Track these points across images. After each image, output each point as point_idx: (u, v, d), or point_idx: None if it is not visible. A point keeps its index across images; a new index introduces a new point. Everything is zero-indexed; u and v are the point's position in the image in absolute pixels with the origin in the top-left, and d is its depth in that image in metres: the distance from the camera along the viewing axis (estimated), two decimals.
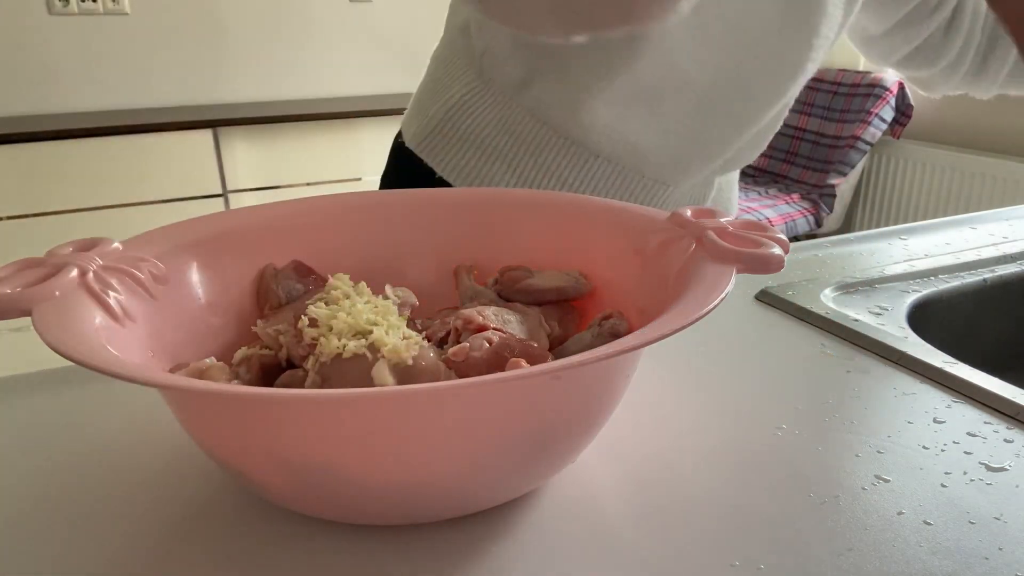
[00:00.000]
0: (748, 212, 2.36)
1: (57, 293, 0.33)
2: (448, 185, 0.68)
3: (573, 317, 0.46)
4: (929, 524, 0.35)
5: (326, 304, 0.38)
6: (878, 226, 2.65)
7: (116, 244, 0.39)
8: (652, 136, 0.65)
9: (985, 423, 0.43)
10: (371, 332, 0.35)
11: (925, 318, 0.59)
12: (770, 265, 0.36)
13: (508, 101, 0.66)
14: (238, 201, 2.37)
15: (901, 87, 2.41)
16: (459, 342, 0.37)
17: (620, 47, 0.60)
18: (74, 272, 0.35)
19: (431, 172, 0.69)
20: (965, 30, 0.74)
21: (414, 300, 0.43)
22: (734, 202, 0.81)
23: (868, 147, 2.44)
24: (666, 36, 0.59)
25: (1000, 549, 0.33)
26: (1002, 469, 0.38)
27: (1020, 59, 0.67)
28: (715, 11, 0.59)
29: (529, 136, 0.66)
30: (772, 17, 0.61)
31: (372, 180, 2.49)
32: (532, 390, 0.31)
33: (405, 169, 0.72)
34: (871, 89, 2.42)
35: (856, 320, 0.55)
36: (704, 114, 0.65)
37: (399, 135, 0.74)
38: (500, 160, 0.66)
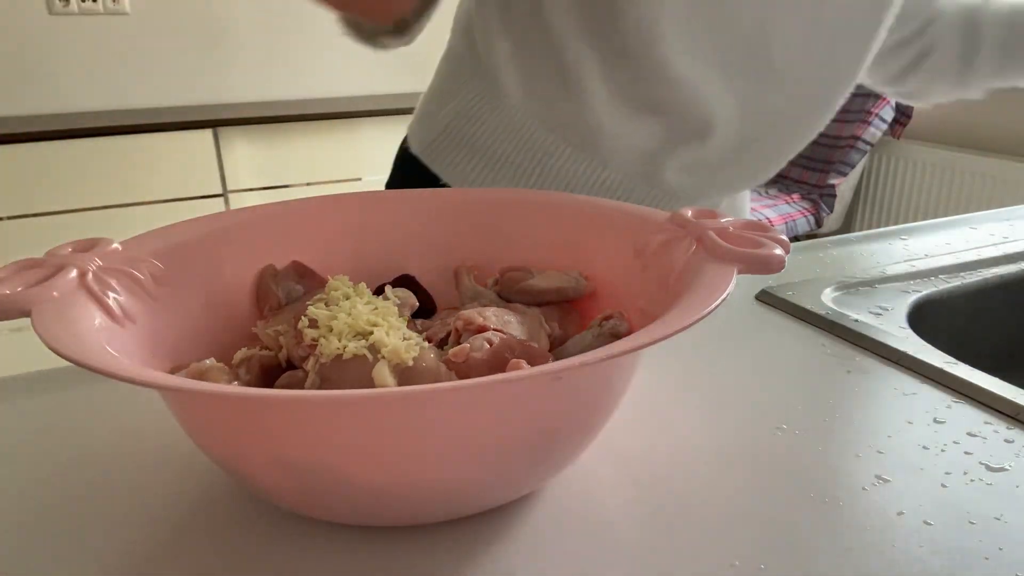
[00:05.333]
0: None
1: (56, 294, 0.33)
2: None
3: (573, 318, 0.46)
4: (929, 524, 0.34)
5: (326, 305, 0.38)
6: (878, 226, 2.65)
7: (115, 244, 0.39)
8: (663, 144, 0.64)
9: (985, 423, 0.43)
10: (371, 333, 0.35)
11: (925, 318, 0.59)
12: (771, 265, 0.36)
13: (514, 107, 0.65)
14: (238, 201, 2.37)
15: None
16: (459, 343, 0.37)
17: (611, 45, 0.59)
18: (73, 273, 0.35)
19: (436, 179, 0.68)
20: (941, 43, 0.74)
21: (414, 301, 0.43)
22: (746, 208, 0.80)
23: (868, 147, 2.44)
24: (657, 41, 0.58)
25: (1000, 549, 0.33)
26: (1002, 469, 0.38)
27: (1004, 55, 0.67)
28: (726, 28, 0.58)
29: (536, 143, 0.65)
30: (798, 42, 0.59)
31: (372, 180, 2.48)
32: (533, 391, 0.31)
33: (411, 176, 0.71)
34: (871, 89, 2.42)
35: (856, 320, 0.55)
36: (729, 145, 0.63)
37: (405, 141, 0.74)
38: (506, 167, 0.66)
